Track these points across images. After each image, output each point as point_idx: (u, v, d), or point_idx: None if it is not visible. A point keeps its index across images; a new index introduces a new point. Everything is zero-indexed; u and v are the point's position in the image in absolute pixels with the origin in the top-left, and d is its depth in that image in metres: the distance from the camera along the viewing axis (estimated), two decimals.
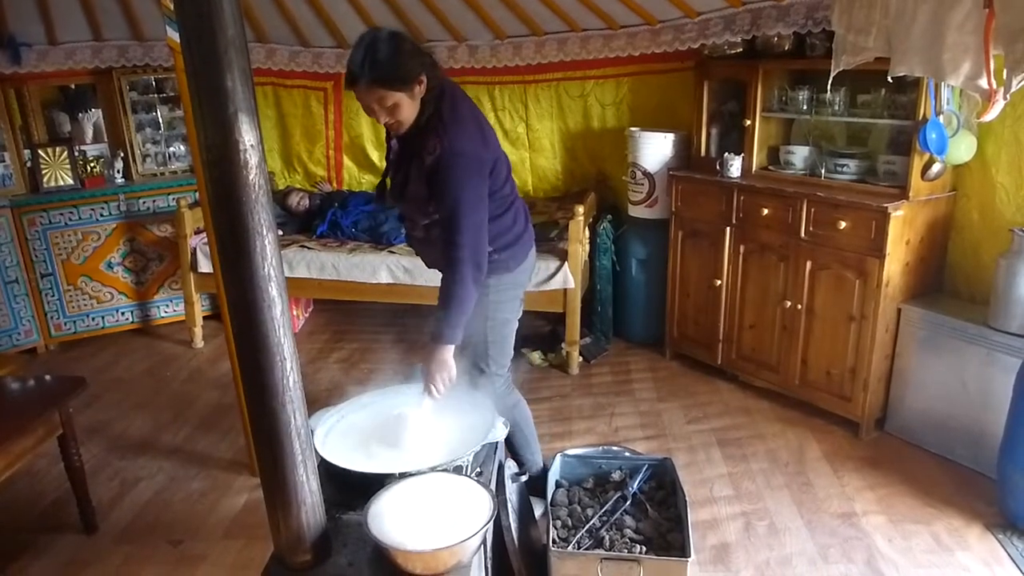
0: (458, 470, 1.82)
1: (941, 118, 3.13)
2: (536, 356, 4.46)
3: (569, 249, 4.06)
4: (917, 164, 3.24)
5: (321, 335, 5.06)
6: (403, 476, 1.73)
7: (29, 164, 4.76)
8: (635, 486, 2.60)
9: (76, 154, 4.86)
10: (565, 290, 4.11)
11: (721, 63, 3.98)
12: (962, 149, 3.19)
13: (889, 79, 2.93)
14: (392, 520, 1.58)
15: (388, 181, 2.52)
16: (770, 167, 3.89)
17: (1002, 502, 2.94)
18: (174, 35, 2.71)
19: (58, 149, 4.77)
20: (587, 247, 4.35)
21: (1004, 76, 2.36)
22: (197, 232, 4.65)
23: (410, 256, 4.31)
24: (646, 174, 4.33)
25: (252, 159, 1.32)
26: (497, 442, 2.09)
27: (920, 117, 3.16)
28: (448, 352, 2.23)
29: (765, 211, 3.70)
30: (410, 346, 4.70)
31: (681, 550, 2.30)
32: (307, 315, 5.38)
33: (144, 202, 4.97)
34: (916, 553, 2.77)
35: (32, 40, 4.57)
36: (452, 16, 4.56)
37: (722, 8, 3.81)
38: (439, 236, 2.32)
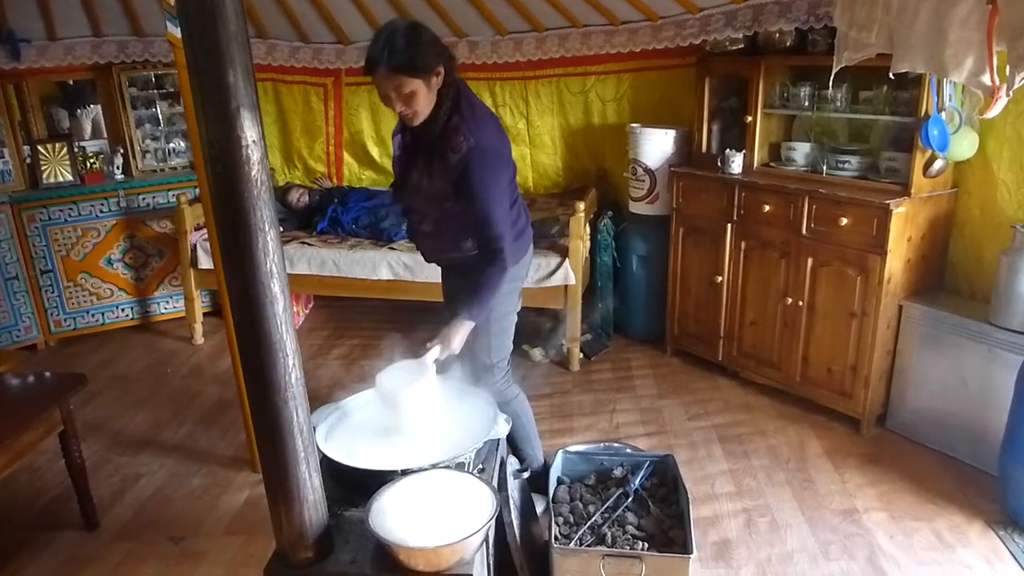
0: (460, 467, 1.82)
1: (943, 115, 3.13)
2: (537, 352, 4.46)
3: (570, 245, 4.05)
4: (919, 161, 3.23)
5: (321, 331, 5.06)
6: (405, 473, 1.73)
7: (28, 160, 4.75)
8: (637, 483, 2.60)
9: (75, 150, 4.85)
10: (566, 286, 4.11)
11: (722, 59, 3.98)
12: (964, 146, 3.19)
13: (891, 75, 2.92)
14: (394, 517, 1.58)
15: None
16: (771, 164, 3.88)
17: (1003, 499, 2.94)
18: (174, 31, 2.71)
19: (57, 145, 4.77)
20: (588, 243, 4.34)
21: (1007, 72, 2.36)
22: (197, 228, 4.64)
23: (410, 252, 4.30)
24: (647, 170, 4.32)
25: (254, 155, 1.31)
26: (499, 439, 2.09)
27: (922, 114, 3.16)
28: (468, 330, 2.34)
29: (766, 208, 3.70)
30: (411, 343, 4.68)
31: (683, 547, 2.30)
32: (307, 311, 5.38)
33: (144, 198, 4.96)
34: (917, 550, 2.77)
35: (31, 36, 4.56)
36: (453, 12, 4.55)
37: (724, 4, 3.80)
38: (460, 238, 2.42)
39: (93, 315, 5.01)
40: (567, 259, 4.06)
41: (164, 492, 3.28)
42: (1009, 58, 2.32)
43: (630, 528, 2.42)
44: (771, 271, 3.75)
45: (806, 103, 3.67)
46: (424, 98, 2.23)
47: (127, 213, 4.93)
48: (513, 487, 2.25)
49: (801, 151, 3.76)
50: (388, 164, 5.33)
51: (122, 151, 5.03)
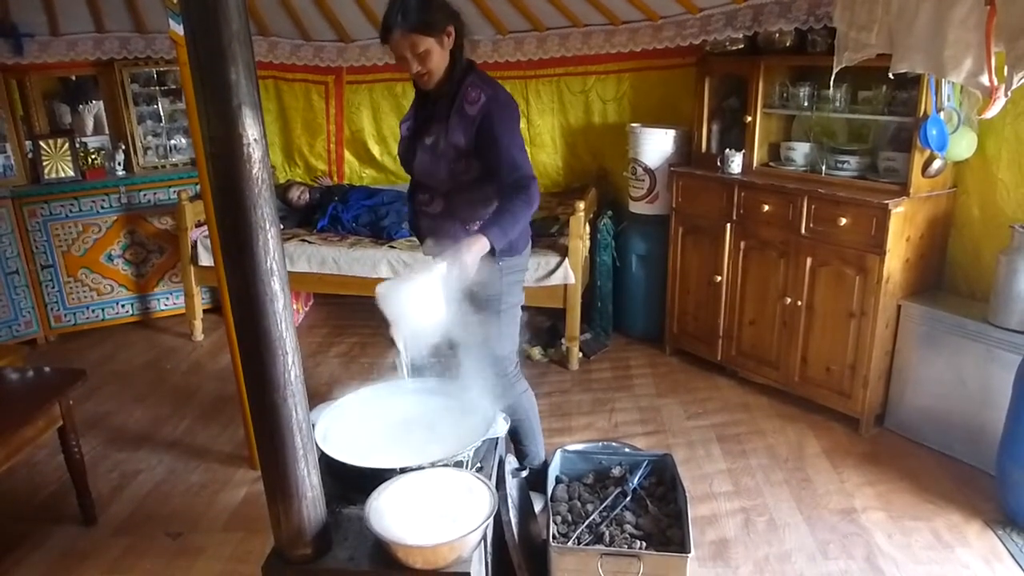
0: (459, 465, 1.82)
1: (942, 115, 3.13)
2: (536, 351, 4.46)
3: (570, 245, 4.06)
4: (918, 161, 3.24)
5: (321, 329, 5.06)
6: (404, 471, 1.73)
7: (30, 155, 4.76)
8: (635, 482, 2.60)
9: (77, 146, 4.86)
10: (565, 286, 4.11)
11: (722, 59, 3.98)
12: (963, 146, 3.19)
13: (890, 76, 2.93)
14: (393, 515, 1.59)
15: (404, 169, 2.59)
16: (771, 163, 3.89)
17: (1002, 498, 2.95)
18: (176, 28, 2.71)
19: (59, 140, 4.77)
20: (587, 243, 4.35)
21: (1005, 73, 2.36)
22: (198, 225, 4.65)
23: (411, 250, 4.31)
24: (647, 170, 4.33)
25: (255, 153, 1.32)
26: (498, 438, 2.09)
27: (921, 114, 3.16)
28: (483, 249, 2.22)
29: (766, 207, 3.70)
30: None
31: (681, 546, 2.31)
32: (307, 309, 5.38)
33: (145, 194, 4.97)
34: (916, 549, 2.78)
35: (34, 31, 4.56)
36: None
37: (724, 4, 3.80)
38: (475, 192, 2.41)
39: (93, 311, 5.02)
40: (567, 258, 4.06)
41: (163, 488, 3.28)
42: (1007, 59, 2.32)
43: (628, 527, 2.42)
44: (770, 271, 3.76)
45: (806, 103, 3.67)
46: (438, 56, 2.34)
47: (128, 209, 4.93)
48: (511, 486, 2.26)
49: (800, 151, 3.77)
50: (389, 162, 5.35)
51: (123, 147, 5.03)
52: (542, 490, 2.68)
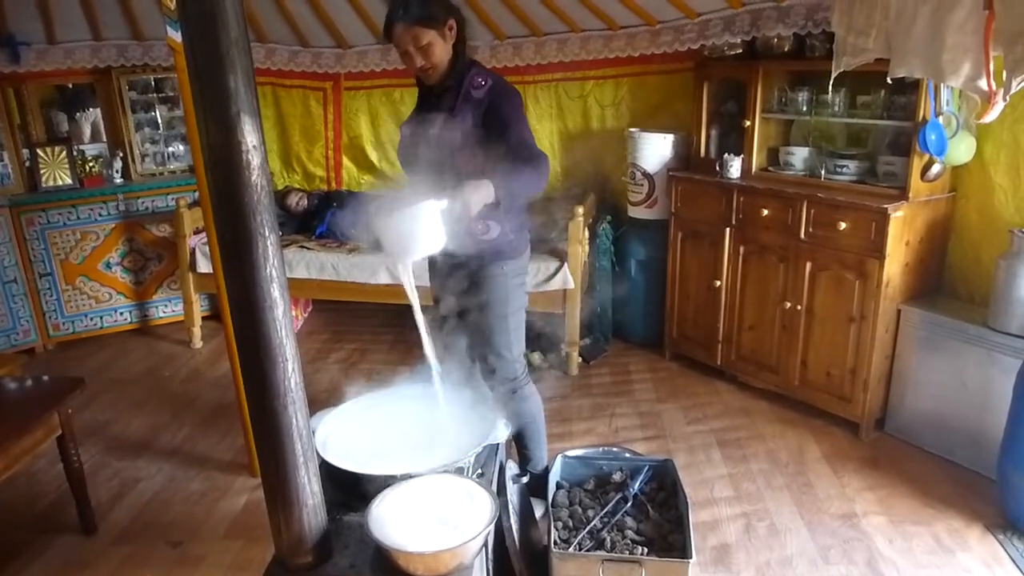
0: (459, 471, 1.82)
1: (940, 119, 3.13)
2: (535, 357, 4.46)
3: (569, 250, 4.06)
4: (917, 165, 3.24)
5: (320, 335, 5.06)
6: (404, 478, 1.73)
7: (28, 163, 4.76)
8: (636, 487, 2.59)
9: (75, 154, 4.86)
10: (564, 291, 4.11)
11: (721, 64, 3.98)
12: (961, 150, 3.20)
13: (889, 80, 2.94)
14: (393, 522, 1.58)
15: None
16: (770, 168, 3.89)
17: (1002, 503, 2.94)
18: (174, 35, 2.71)
19: (57, 148, 4.77)
20: (586, 248, 4.35)
21: (1004, 77, 2.37)
22: (196, 232, 4.65)
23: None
24: (646, 175, 4.33)
25: (254, 160, 1.31)
26: (498, 443, 2.08)
27: (920, 118, 3.17)
28: (484, 197, 2.17)
29: (765, 212, 3.71)
30: (409, 347, 4.69)
31: (682, 551, 2.30)
32: (306, 315, 5.38)
33: (143, 202, 4.97)
34: (916, 554, 2.77)
35: (31, 39, 4.57)
36: None
37: (722, 9, 3.81)
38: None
39: (92, 319, 5.01)
40: (566, 263, 4.06)
41: (162, 496, 3.27)
42: (1006, 63, 2.33)
43: (629, 533, 2.42)
44: (770, 275, 3.76)
45: (804, 108, 3.68)
46: (440, 49, 2.38)
47: (126, 217, 4.93)
48: (512, 492, 2.25)
49: (799, 155, 3.77)
50: (387, 168, 5.35)
51: (121, 155, 5.03)
52: (543, 496, 2.67)
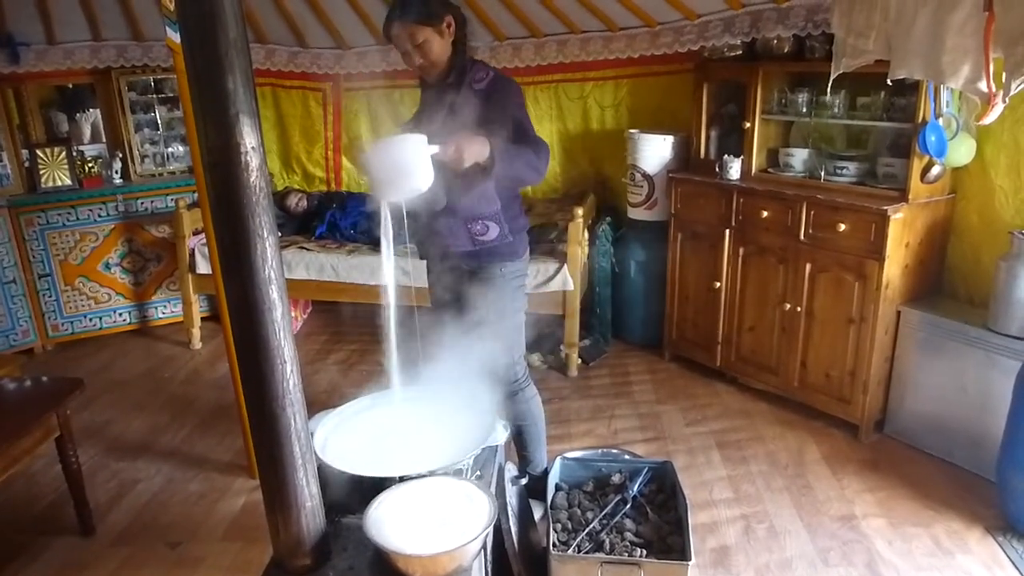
0: (458, 473, 1.81)
1: (940, 121, 3.13)
2: (535, 358, 4.45)
3: (568, 251, 4.05)
4: (916, 167, 3.24)
5: (319, 336, 5.05)
6: (403, 479, 1.72)
7: (27, 164, 4.75)
8: (635, 489, 2.59)
9: (74, 154, 4.85)
10: (564, 292, 4.11)
11: (720, 65, 3.98)
12: (961, 152, 3.20)
13: (889, 82, 2.93)
14: (392, 524, 1.58)
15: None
16: (769, 169, 3.89)
17: (1002, 505, 2.94)
18: (173, 36, 2.71)
19: (56, 149, 4.77)
20: (586, 249, 4.34)
21: (1004, 79, 2.36)
22: (195, 233, 4.64)
23: (409, 257, 4.29)
24: (645, 176, 4.33)
25: (253, 161, 1.31)
26: (497, 445, 2.08)
27: (919, 120, 3.17)
28: (478, 152, 2.21)
29: (764, 213, 3.70)
30: (408, 349, 4.67)
31: (681, 553, 2.30)
32: (305, 316, 5.37)
33: (142, 203, 4.96)
34: (916, 556, 2.77)
35: (31, 39, 4.56)
36: None
37: (722, 10, 3.81)
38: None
39: (91, 319, 5.01)
40: (565, 265, 4.06)
41: (161, 497, 3.27)
42: (1006, 65, 2.33)
43: (628, 535, 2.41)
44: (769, 277, 3.75)
45: (804, 109, 3.68)
46: (438, 47, 2.40)
47: (125, 217, 4.93)
48: (511, 494, 2.25)
49: (799, 157, 3.77)
50: None
51: (121, 155, 5.03)
52: (542, 498, 2.67)
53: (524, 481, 2.78)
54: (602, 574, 2.23)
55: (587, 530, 2.44)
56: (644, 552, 2.33)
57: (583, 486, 2.71)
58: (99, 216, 4.86)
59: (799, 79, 3.77)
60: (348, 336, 5.03)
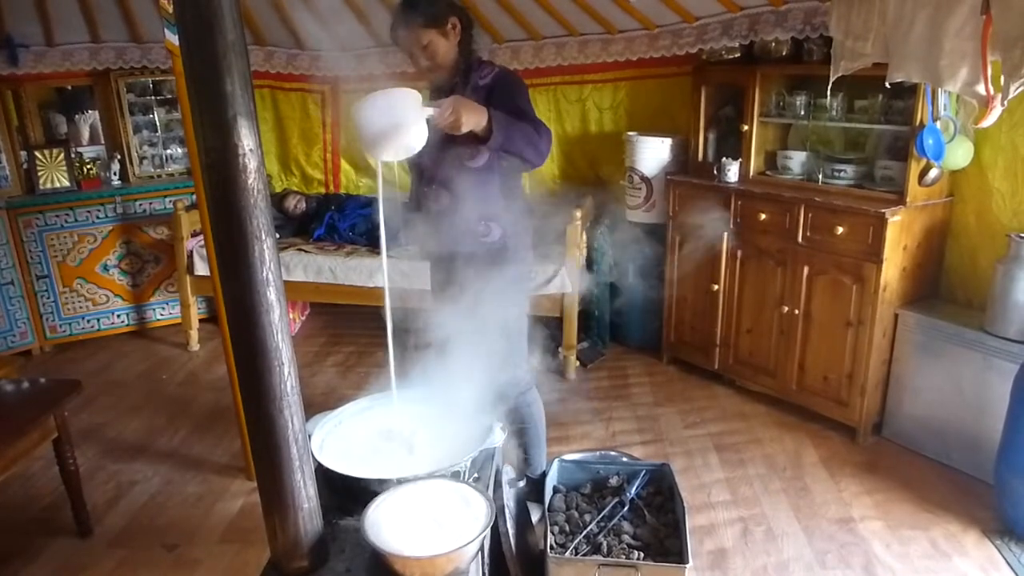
0: (456, 476, 1.81)
1: (938, 124, 3.14)
2: (533, 360, 4.44)
3: (566, 253, 4.06)
4: (914, 169, 3.25)
5: (317, 339, 5.05)
6: (401, 482, 1.72)
7: (25, 165, 4.75)
8: (633, 492, 2.58)
9: (72, 156, 4.85)
10: (562, 294, 4.11)
11: (719, 68, 3.99)
12: (959, 155, 3.20)
13: (887, 85, 2.94)
14: (390, 526, 1.58)
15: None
16: (767, 172, 3.90)
17: (999, 507, 2.94)
18: (172, 38, 2.71)
19: (54, 151, 4.77)
20: (584, 251, 4.35)
21: (1001, 82, 2.37)
22: (194, 235, 4.64)
23: (407, 260, 4.29)
24: (644, 178, 4.33)
25: (251, 163, 1.31)
26: (495, 448, 2.08)
27: (917, 123, 3.17)
28: (476, 120, 2.21)
29: (763, 216, 3.71)
30: (407, 352, 4.67)
31: (679, 556, 2.29)
32: (303, 318, 5.37)
33: (141, 204, 4.96)
34: (913, 559, 2.77)
35: (30, 41, 4.57)
36: None
37: (720, 13, 3.82)
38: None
39: (89, 321, 5.00)
40: (563, 267, 4.06)
41: (158, 499, 3.27)
42: (1003, 68, 2.33)
43: (626, 537, 2.41)
44: (767, 279, 3.76)
45: (802, 112, 3.68)
46: (443, 48, 2.41)
47: (124, 219, 4.92)
48: (508, 496, 2.25)
49: (797, 160, 3.77)
50: (385, 172, 5.28)
51: (119, 157, 5.03)
52: (539, 500, 2.67)
53: (522, 483, 2.77)
54: None
55: (584, 532, 2.43)
56: (642, 555, 2.32)
57: (581, 488, 2.71)
58: (97, 218, 4.86)
59: (797, 82, 3.77)
60: (346, 338, 5.03)
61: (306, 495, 1.52)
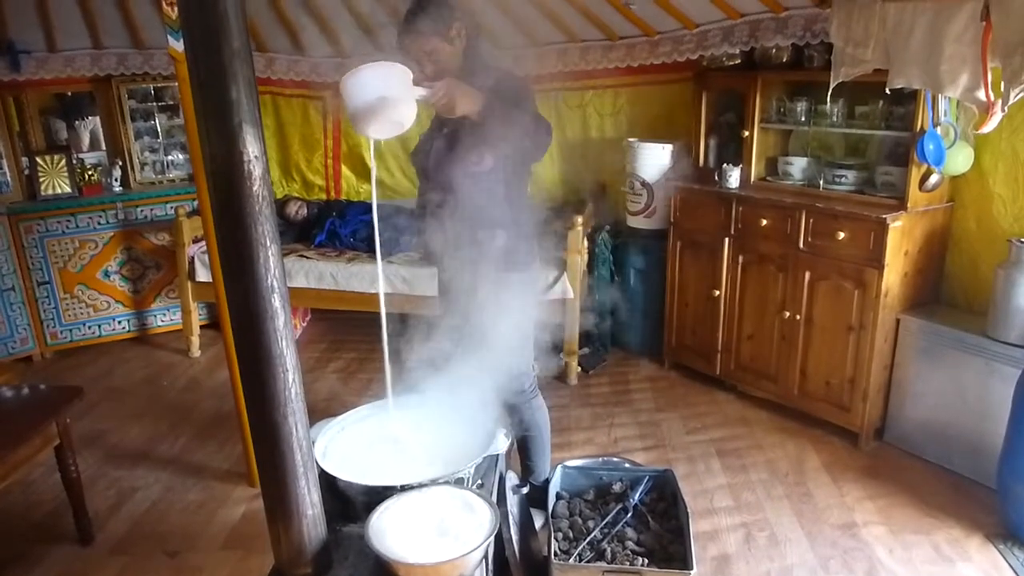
0: (459, 482, 1.81)
1: (939, 129, 3.15)
2: (535, 366, 4.44)
3: (568, 259, 4.06)
4: (915, 175, 3.25)
5: (319, 345, 5.05)
6: (404, 488, 1.72)
7: (27, 171, 4.76)
8: (636, 498, 2.58)
9: (74, 162, 4.86)
10: (564, 300, 4.11)
11: (719, 74, 4.00)
12: (959, 160, 3.21)
13: (887, 91, 2.95)
14: (393, 533, 1.57)
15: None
16: (768, 178, 3.90)
17: (1002, 512, 2.94)
18: (175, 44, 2.71)
19: (56, 157, 4.77)
20: (586, 257, 4.35)
21: (1001, 88, 2.38)
22: (195, 241, 4.64)
23: (408, 266, 4.31)
24: (645, 184, 4.34)
25: (256, 170, 1.31)
26: (498, 454, 2.08)
27: (918, 128, 3.18)
28: (475, 100, 2.21)
29: (764, 222, 3.71)
30: (410, 359, 4.67)
31: (683, 562, 2.29)
32: (304, 324, 5.37)
33: (142, 210, 4.96)
34: (917, 564, 2.77)
35: (31, 47, 4.57)
36: None
37: (720, 20, 3.82)
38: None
39: (90, 327, 5.00)
40: (565, 273, 4.07)
41: (160, 506, 3.26)
42: (1003, 74, 2.34)
43: (629, 543, 2.41)
44: (769, 285, 3.76)
45: (803, 118, 3.69)
46: (448, 54, 2.41)
47: (125, 225, 4.93)
48: (512, 502, 2.25)
49: (798, 165, 3.78)
50: (386, 177, 5.34)
51: (120, 163, 5.03)
52: (543, 507, 2.66)
53: (525, 490, 2.77)
54: None
55: (588, 539, 2.43)
56: (645, 561, 2.32)
57: (584, 495, 2.71)
58: (98, 224, 4.86)
59: (798, 88, 3.78)
60: (348, 344, 5.03)
61: (310, 502, 1.52)
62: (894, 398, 3.51)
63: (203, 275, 4.56)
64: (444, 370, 2.23)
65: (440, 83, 2.16)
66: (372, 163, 2.24)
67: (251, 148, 1.30)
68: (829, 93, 3.20)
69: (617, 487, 2.68)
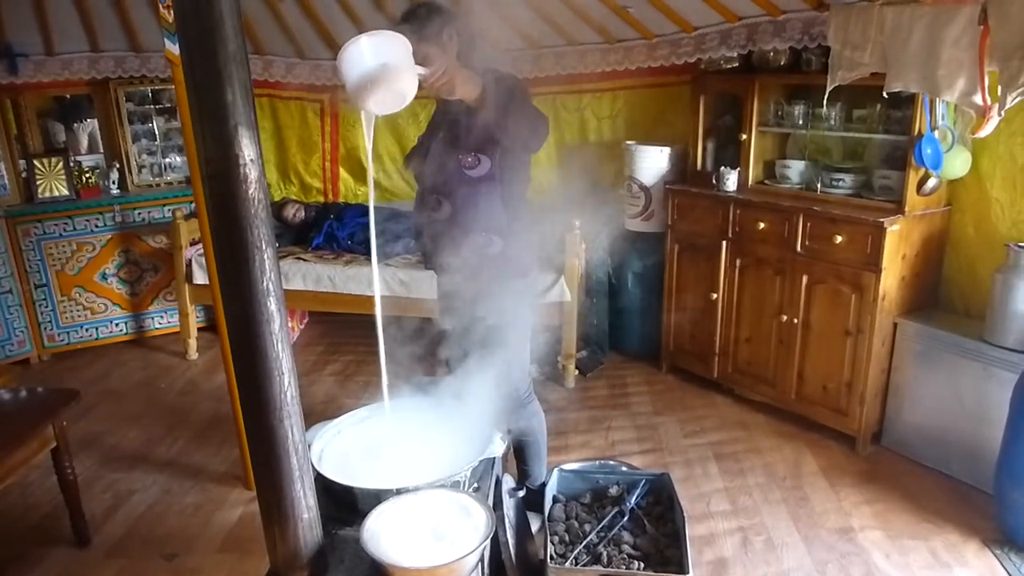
0: (456, 486, 1.81)
1: (936, 133, 3.15)
2: (532, 369, 4.44)
3: (565, 262, 4.06)
4: (912, 179, 3.25)
5: (316, 347, 5.05)
6: (400, 492, 1.72)
7: (24, 174, 4.75)
8: (633, 501, 2.58)
9: (71, 164, 4.85)
10: (561, 303, 4.11)
11: (717, 77, 4.00)
12: (957, 164, 3.21)
13: (885, 94, 2.96)
14: (389, 536, 1.57)
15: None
16: (766, 181, 3.90)
17: (999, 517, 2.94)
18: (172, 48, 2.71)
19: (53, 159, 4.77)
20: (583, 260, 4.35)
21: (999, 92, 2.38)
22: (193, 243, 4.64)
23: (406, 268, 4.31)
24: (642, 187, 4.34)
25: (252, 173, 1.31)
26: (495, 457, 2.07)
27: (915, 132, 3.18)
28: (475, 85, 2.21)
29: (761, 225, 3.71)
30: (405, 358, 4.67)
31: (679, 566, 2.29)
32: (302, 327, 5.37)
33: (139, 213, 4.96)
34: (914, 569, 2.76)
35: (29, 50, 4.57)
36: None
37: (718, 23, 3.83)
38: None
39: (87, 330, 5.00)
40: (562, 276, 4.07)
41: (157, 509, 3.25)
42: (1001, 78, 2.35)
43: (626, 547, 2.40)
44: (766, 288, 3.76)
45: (800, 121, 3.69)
46: (440, 60, 2.33)
47: (122, 228, 4.92)
48: (508, 506, 2.24)
49: (796, 169, 3.78)
50: (384, 180, 5.35)
51: (118, 166, 5.03)
52: (539, 510, 2.66)
53: (522, 493, 2.77)
54: None
55: (584, 542, 2.43)
56: (641, 564, 2.32)
57: (580, 498, 2.70)
58: (96, 226, 4.86)
59: (795, 91, 3.78)
60: (345, 347, 5.02)
61: (306, 505, 1.52)
62: (891, 402, 3.51)
63: (200, 278, 4.56)
64: (441, 373, 2.23)
65: (440, 62, 2.15)
66: (369, 165, 2.25)
67: (247, 151, 1.30)
68: (826, 96, 3.20)
69: (614, 491, 2.68)
